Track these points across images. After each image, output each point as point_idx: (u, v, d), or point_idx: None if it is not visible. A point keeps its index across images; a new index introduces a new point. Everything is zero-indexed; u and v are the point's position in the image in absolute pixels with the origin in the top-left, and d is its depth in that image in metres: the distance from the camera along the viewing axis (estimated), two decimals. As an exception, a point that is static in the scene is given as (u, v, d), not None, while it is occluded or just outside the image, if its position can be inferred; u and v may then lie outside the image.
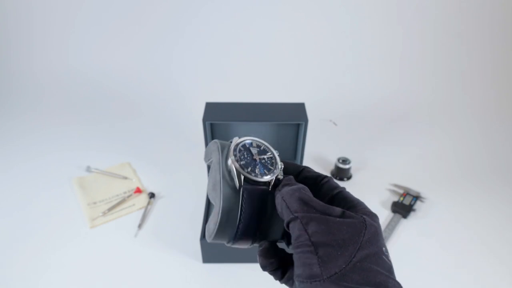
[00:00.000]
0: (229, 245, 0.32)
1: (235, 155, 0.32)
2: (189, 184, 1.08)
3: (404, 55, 1.52)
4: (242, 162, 0.32)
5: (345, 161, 1.10)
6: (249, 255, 0.85)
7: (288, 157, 0.98)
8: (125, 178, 1.09)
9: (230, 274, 0.84)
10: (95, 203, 1.00)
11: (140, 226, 0.94)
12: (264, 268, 0.34)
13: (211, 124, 0.91)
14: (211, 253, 0.84)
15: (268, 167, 0.33)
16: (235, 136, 0.35)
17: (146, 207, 0.99)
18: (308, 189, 0.31)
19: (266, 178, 0.32)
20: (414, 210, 1.00)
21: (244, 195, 0.31)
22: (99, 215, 0.96)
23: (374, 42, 1.51)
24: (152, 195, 1.02)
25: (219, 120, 0.86)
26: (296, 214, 0.28)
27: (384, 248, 0.28)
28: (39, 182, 1.08)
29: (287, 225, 0.29)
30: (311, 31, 1.50)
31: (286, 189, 0.30)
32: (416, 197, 1.03)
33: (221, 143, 0.35)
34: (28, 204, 1.00)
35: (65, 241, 0.90)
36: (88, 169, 1.12)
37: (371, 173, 1.14)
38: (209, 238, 0.32)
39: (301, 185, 0.31)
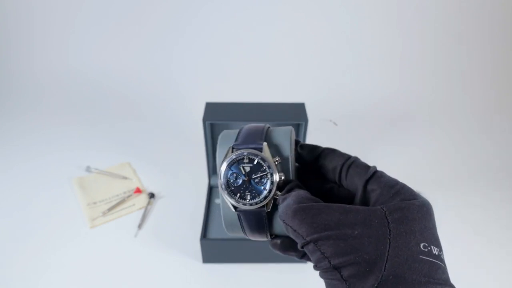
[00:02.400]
0: (247, 238, 0.33)
1: (222, 182, 0.30)
2: (189, 184, 1.08)
3: (404, 55, 1.52)
4: (231, 188, 0.30)
5: (345, 161, 1.10)
6: (249, 255, 0.85)
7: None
8: (125, 178, 1.09)
9: (230, 274, 0.84)
10: (95, 203, 1.00)
11: (140, 226, 0.94)
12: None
13: (211, 124, 0.91)
14: (211, 253, 0.84)
15: (260, 188, 0.30)
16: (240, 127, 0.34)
17: (146, 207, 0.99)
18: (307, 194, 0.27)
19: (257, 205, 0.29)
20: (414, 210, 1.00)
21: (240, 217, 0.31)
22: (99, 215, 0.96)
23: (374, 42, 1.51)
24: (152, 195, 1.02)
25: (219, 120, 0.86)
26: (307, 238, 0.24)
27: (422, 245, 0.23)
28: (39, 182, 1.08)
29: (302, 248, 0.26)
30: (311, 31, 1.50)
31: (284, 209, 0.27)
32: (416, 197, 1.03)
33: (224, 143, 0.32)
34: (28, 204, 1.00)
35: (65, 241, 0.90)
36: (88, 169, 1.12)
37: (371, 173, 1.14)
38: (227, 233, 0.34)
39: (299, 197, 0.27)
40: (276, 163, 0.30)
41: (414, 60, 1.53)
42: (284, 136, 0.32)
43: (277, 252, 0.31)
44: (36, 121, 1.37)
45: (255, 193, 0.29)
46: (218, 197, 0.96)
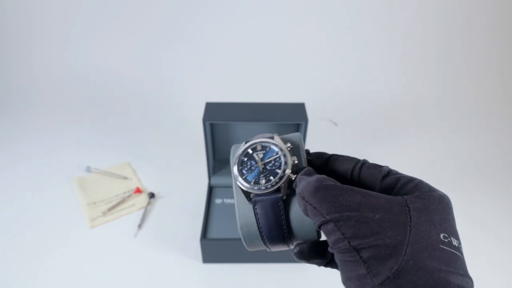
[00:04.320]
0: (269, 250, 0.32)
1: (238, 170, 0.31)
2: (189, 184, 1.08)
3: (405, 54, 1.52)
4: (245, 176, 0.30)
5: (345, 161, 1.10)
6: (249, 255, 0.85)
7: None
8: (125, 178, 1.09)
9: (230, 274, 0.84)
10: (95, 203, 1.00)
11: (140, 226, 0.94)
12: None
13: (211, 124, 0.91)
14: (211, 253, 0.84)
15: (275, 171, 0.30)
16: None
17: (146, 207, 0.99)
18: (328, 178, 0.27)
19: (273, 187, 0.29)
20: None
21: (256, 209, 0.30)
22: (99, 215, 0.96)
23: (375, 41, 1.51)
24: (152, 195, 1.02)
25: (219, 120, 0.86)
26: (328, 217, 0.24)
27: (442, 235, 0.24)
28: (39, 182, 1.08)
29: (319, 228, 0.26)
30: (311, 31, 1.50)
31: (305, 186, 0.26)
32: (416, 197, 1.03)
33: (235, 149, 0.33)
34: (27, 204, 1.00)
35: (64, 241, 0.90)
36: (88, 169, 1.12)
37: (371, 173, 1.14)
38: (247, 248, 0.32)
39: (320, 177, 0.26)
40: (288, 148, 0.31)
41: (416, 60, 1.53)
42: (294, 135, 0.33)
43: (302, 260, 0.30)
44: (36, 121, 1.37)
45: (269, 176, 0.30)
46: (218, 197, 0.96)
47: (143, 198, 1.02)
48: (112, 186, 1.06)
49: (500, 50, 1.52)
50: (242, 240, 0.31)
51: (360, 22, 1.49)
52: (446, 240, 0.24)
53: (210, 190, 0.97)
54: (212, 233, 0.86)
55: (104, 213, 0.96)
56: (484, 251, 0.91)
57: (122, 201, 1.00)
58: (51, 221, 0.96)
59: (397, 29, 1.49)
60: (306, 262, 0.30)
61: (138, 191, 1.03)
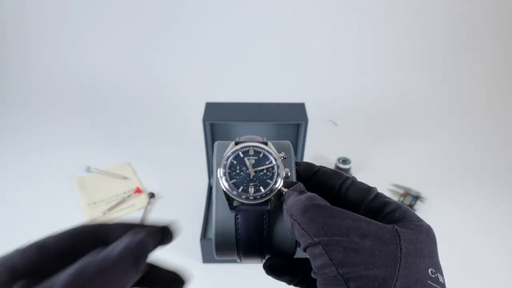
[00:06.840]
0: (238, 261, 0.30)
1: (224, 173, 0.28)
2: (189, 184, 1.08)
3: (405, 55, 1.52)
4: (233, 181, 0.28)
5: (345, 161, 1.10)
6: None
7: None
8: (125, 178, 1.09)
9: (230, 274, 0.84)
10: (95, 203, 1.00)
11: (140, 226, 0.94)
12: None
13: (211, 124, 0.91)
14: (211, 253, 0.84)
15: (266, 181, 0.27)
16: (236, 136, 0.32)
17: (146, 207, 0.99)
18: (320, 198, 0.25)
19: (262, 199, 0.27)
20: (414, 210, 1.00)
21: (238, 219, 0.27)
22: (99, 215, 0.96)
23: (375, 41, 1.51)
24: (152, 195, 1.02)
25: (219, 120, 0.86)
26: (316, 239, 0.22)
27: (430, 270, 0.23)
28: (39, 182, 1.08)
29: (305, 250, 0.24)
30: (311, 31, 1.50)
31: (294, 203, 0.25)
32: (417, 197, 1.03)
33: (220, 147, 0.30)
34: (28, 204, 1.00)
35: (65, 241, 0.90)
36: (88, 169, 1.12)
37: (371, 173, 1.14)
38: (215, 256, 0.30)
39: (311, 195, 0.25)
40: (282, 159, 0.28)
41: (415, 60, 1.53)
42: (286, 144, 0.31)
43: (271, 275, 0.28)
44: (36, 121, 1.37)
45: (259, 186, 0.27)
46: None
47: (143, 198, 1.02)
48: (112, 186, 1.06)
49: (503, 48, 1.52)
50: (213, 247, 0.29)
51: (360, 23, 1.49)
52: (434, 276, 0.23)
53: (210, 190, 0.97)
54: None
55: (104, 213, 0.96)
56: (490, 251, 0.91)
57: (122, 201, 1.00)
58: (51, 221, 0.95)
59: (398, 30, 1.49)
60: (275, 278, 0.28)
61: (138, 191, 1.03)
